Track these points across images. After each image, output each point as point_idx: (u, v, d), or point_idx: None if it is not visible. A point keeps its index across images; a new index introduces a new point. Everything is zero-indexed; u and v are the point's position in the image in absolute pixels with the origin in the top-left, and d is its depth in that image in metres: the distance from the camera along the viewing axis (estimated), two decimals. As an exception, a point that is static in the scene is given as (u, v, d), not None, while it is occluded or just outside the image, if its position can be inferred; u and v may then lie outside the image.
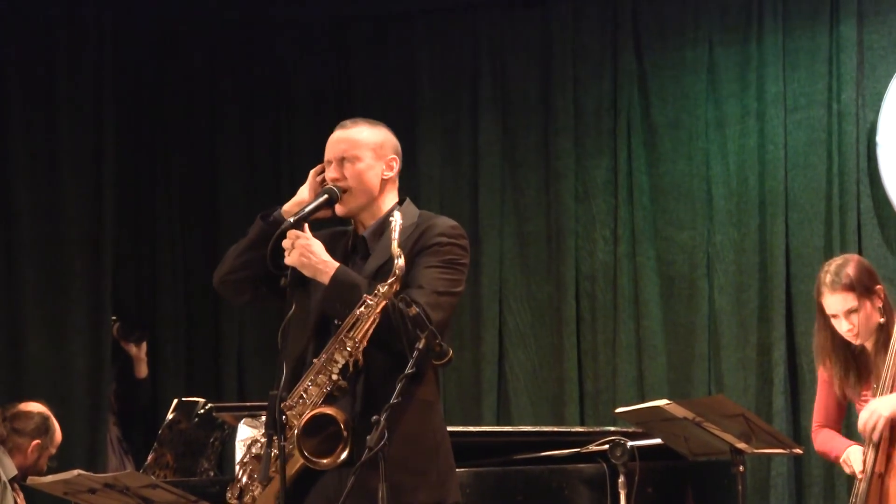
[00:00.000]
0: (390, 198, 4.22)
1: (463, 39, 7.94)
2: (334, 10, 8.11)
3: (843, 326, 5.10)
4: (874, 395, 5.02)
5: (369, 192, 4.18)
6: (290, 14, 8.18)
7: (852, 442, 5.19)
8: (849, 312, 5.09)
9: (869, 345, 5.14)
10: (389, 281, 3.97)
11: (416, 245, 4.11)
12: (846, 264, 5.16)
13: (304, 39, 8.19)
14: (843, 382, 5.18)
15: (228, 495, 4.09)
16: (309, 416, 3.96)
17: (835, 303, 5.11)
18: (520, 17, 7.83)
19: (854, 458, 5.05)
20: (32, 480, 5.28)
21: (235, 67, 8.28)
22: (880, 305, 5.11)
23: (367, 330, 3.98)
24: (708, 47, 7.44)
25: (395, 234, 4.02)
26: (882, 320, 5.09)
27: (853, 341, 5.13)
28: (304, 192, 4.29)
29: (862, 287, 5.10)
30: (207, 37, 8.32)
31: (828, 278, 5.14)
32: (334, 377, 4.01)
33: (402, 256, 3.99)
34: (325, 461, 3.98)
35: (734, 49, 7.39)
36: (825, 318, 5.16)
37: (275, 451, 3.96)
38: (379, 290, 3.97)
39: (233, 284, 4.31)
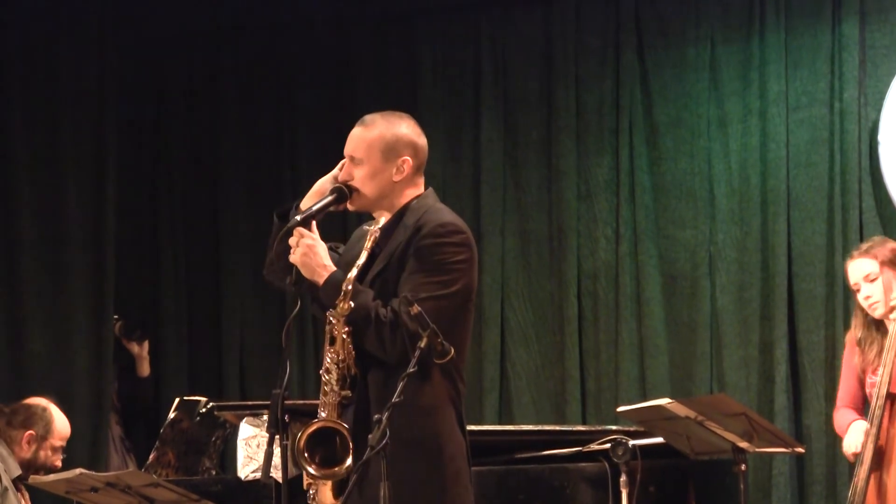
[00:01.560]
0: (407, 194, 4.17)
1: (465, 38, 7.93)
2: (336, 10, 8.11)
3: (862, 293, 5.14)
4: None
5: (377, 195, 4.15)
6: (291, 14, 8.17)
7: (857, 416, 5.20)
8: (868, 280, 5.12)
9: (890, 326, 5.16)
10: (341, 297, 3.95)
11: (408, 248, 4.08)
12: (880, 240, 5.26)
13: (305, 39, 8.19)
14: (862, 356, 5.23)
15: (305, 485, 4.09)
16: (308, 432, 3.95)
17: (855, 269, 5.18)
18: (521, 16, 7.82)
19: (850, 438, 5.07)
20: (34, 479, 5.29)
21: (237, 67, 8.28)
22: None
23: (345, 343, 3.99)
24: (710, 46, 7.44)
25: (368, 244, 4.02)
26: None
27: (872, 313, 5.15)
28: (324, 182, 4.24)
29: (886, 259, 5.16)
30: (209, 37, 8.32)
31: (853, 252, 5.23)
32: (335, 388, 4.02)
33: (357, 268, 3.97)
34: (332, 472, 3.96)
35: (736, 48, 7.38)
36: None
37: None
38: (337, 307, 3.96)
39: (274, 274, 4.27)
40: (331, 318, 3.98)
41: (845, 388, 5.40)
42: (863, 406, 5.37)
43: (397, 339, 3.95)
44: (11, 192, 7.60)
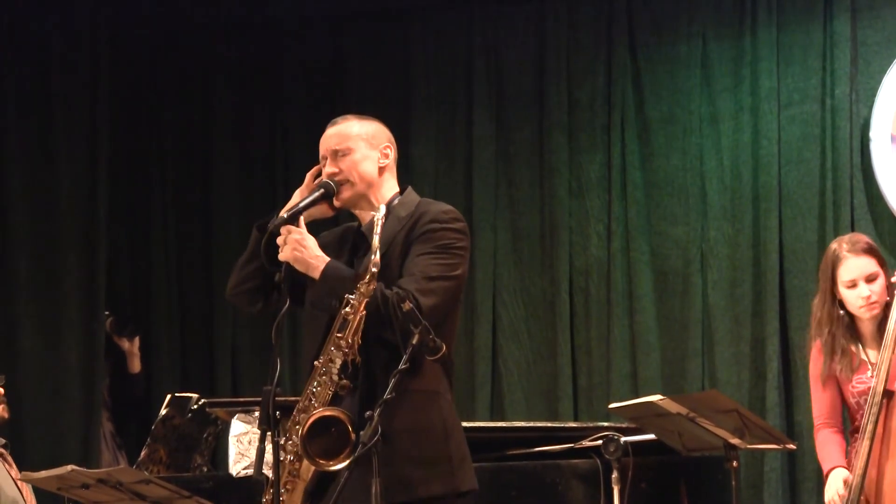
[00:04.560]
0: (389, 187, 4.25)
1: (457, 35, 7.93)
2: (329, 7, 8.10)
3: (861, 292, 5.08)
4: (871, 376, 5.04)
5: (367, 181, 4.21)
6: (285, 11, 8.16)
7: (841, 462, 5.17)
8: (869, 279, 5.08)
9: (867, 326, 5.14)
10: (366, 279, 3.96)
11: (409, 235, 4.12)
12: (860, 236, 5.18)
13: (299, 36, 8.18)
14: (832, 362, 5.18)
15: (264, 500, 4.08)
16: (313, 419, 3.95)
17: (858, 266, 5.07)
18: (514, 12, 7.82)
19: (830, 492, 5.06)
20: (26, 476, 5.27)
21: (230, 65, 8.27)
22: (891, 282, 5.10)
23: (357, 328, 3.98)
24: (702, 42, 7.44)
25: (378, 229, 4.00)
26: (888, 299, 5.10)
27: (865, 314, 5.10)
28: (300, 193, 4.27)
29: (880, 256, 5.13)
30: (202, 34, 8.31)
31: (845, 245, 5.13)
32: (335, 377, 4.01)
33: (378, 252, 3.96)
34: (333, 463, 3.96)
35: (728, 44, 7.39)
36: (832, 292, 5.15)
37: (286, 453, 3.99)
38: (359, 289, 3.96)
39: (242, 296, 4.30)
40: (350, 301, 3.97)
41: (822, 401, 5.26)
42: (842, 416, 5.34)
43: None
44: (4, 188, 7.59)
